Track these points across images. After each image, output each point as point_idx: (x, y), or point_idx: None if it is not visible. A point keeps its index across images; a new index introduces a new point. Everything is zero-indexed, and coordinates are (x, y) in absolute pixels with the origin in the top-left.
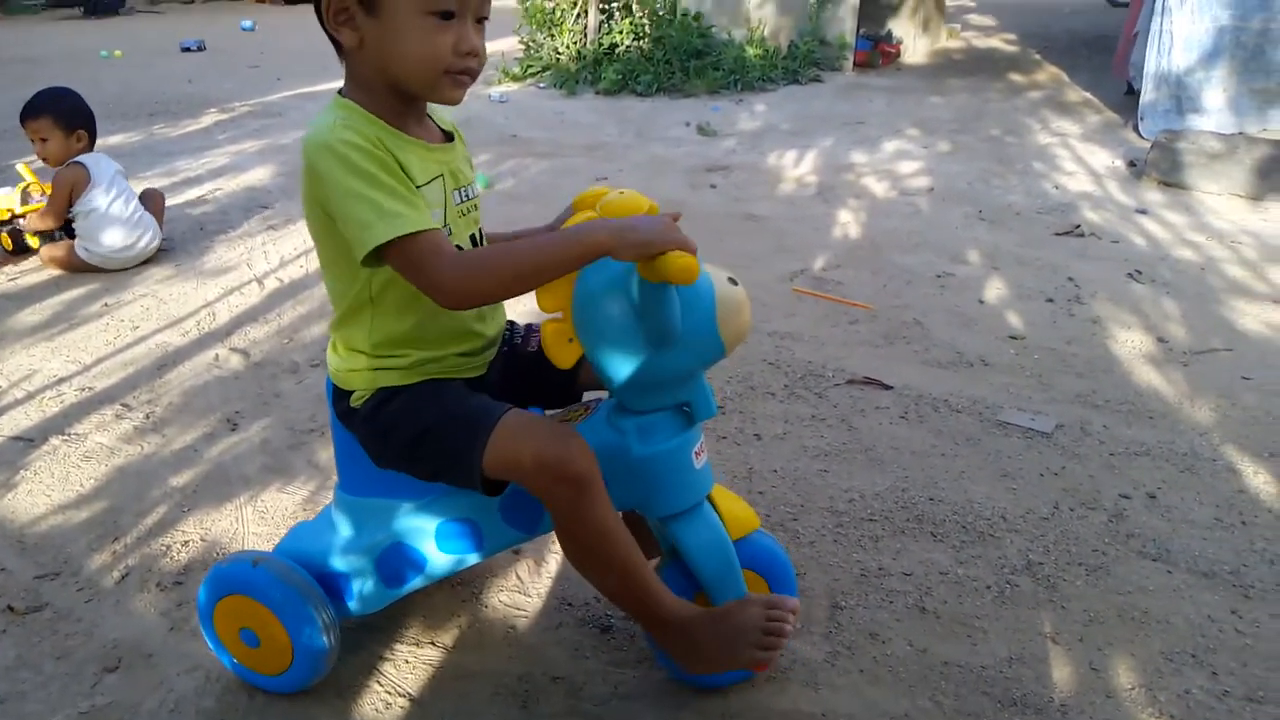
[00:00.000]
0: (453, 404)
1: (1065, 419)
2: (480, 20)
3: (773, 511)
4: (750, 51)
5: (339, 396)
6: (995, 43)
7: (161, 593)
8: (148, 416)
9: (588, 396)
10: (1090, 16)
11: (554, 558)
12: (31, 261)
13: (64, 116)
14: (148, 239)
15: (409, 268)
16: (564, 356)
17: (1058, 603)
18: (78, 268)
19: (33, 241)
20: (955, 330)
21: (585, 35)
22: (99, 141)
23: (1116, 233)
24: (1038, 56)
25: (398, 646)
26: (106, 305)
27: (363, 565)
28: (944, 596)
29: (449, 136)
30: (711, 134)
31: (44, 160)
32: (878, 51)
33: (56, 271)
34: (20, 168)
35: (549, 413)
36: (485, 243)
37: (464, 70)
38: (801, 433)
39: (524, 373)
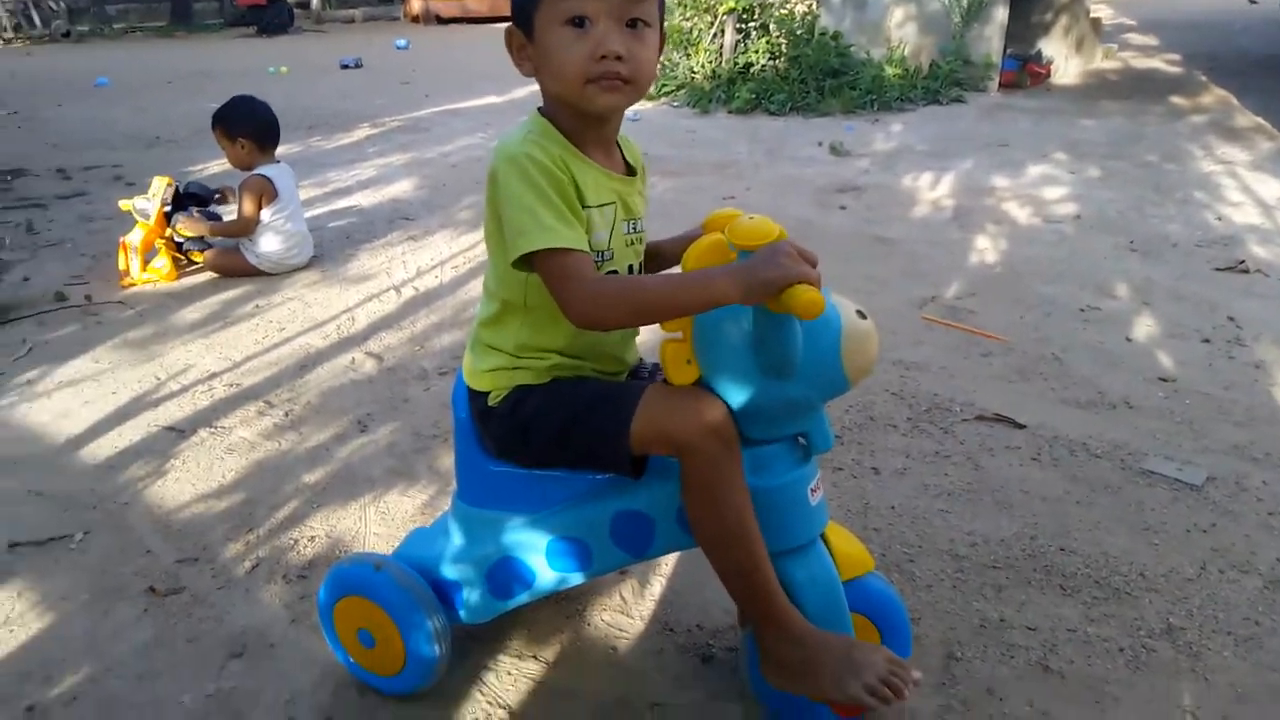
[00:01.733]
0: (593, 390)
1: (1219, 471)
2: (633, 23)
3: (888, 551)
4: (889, 71)
5: (474, 398)
6: (1156, 63)
7: (287, 585)
8: (286, 414)
9: None
10: (1263, 34)
11: (659, 580)
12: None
13: (228, 125)
14: (309, 249)
15: (550, 280)
16: (682, 377)
17: (1200, 673)
18: (239, 272)
19: (196, 258)
20: (1098, 368)
21: (721, 54)
22: None
23: None
24: (1203, 78)
25: (502, 658)
26: (258, 307)
27: (473, 576)
28: (1071, 656)
29: (632, 170)
30: (844, 154)
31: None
32: (1026, 72)
33: (216, 275)
34: (122, 204)
35: None
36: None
37: (605, 75)
38: (923, 469)
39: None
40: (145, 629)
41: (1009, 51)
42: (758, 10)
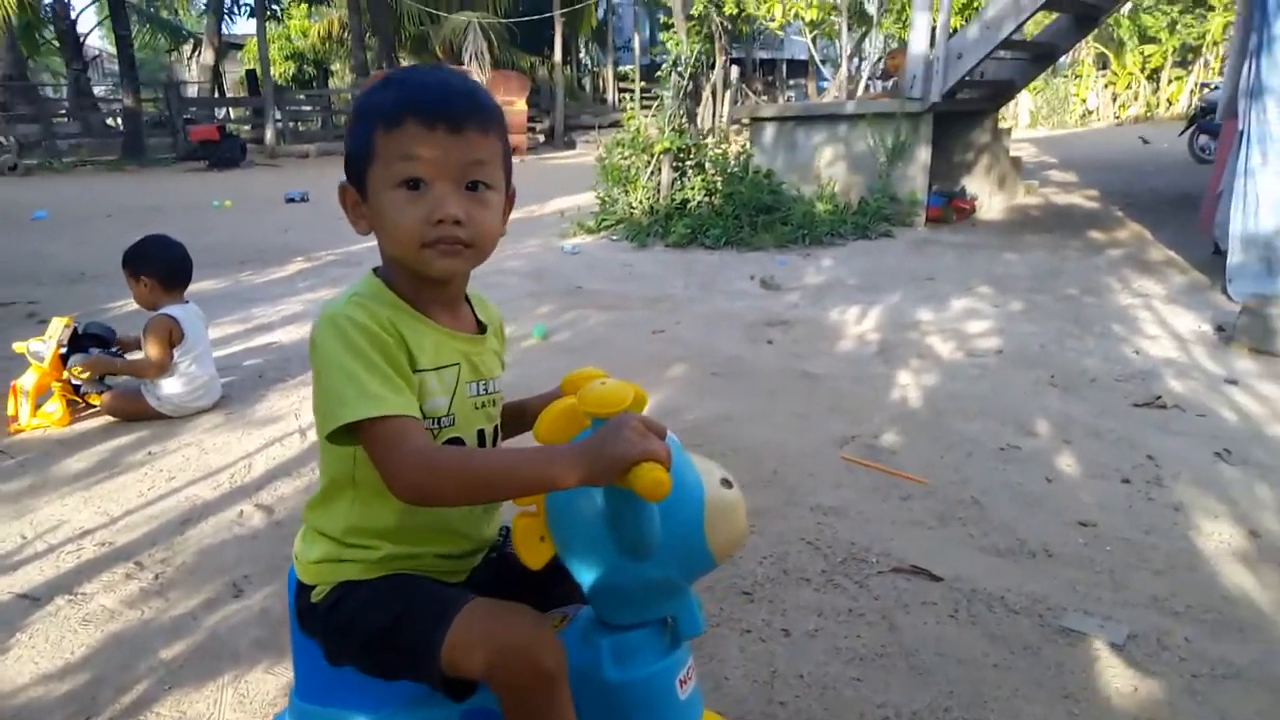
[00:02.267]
0: (417, 596)
1: (1139, 627)
2: (473, 185)
3: None
4: (820, 207)
5: (300, 592)
6: (1075, 199)
7: None
8: (156, 577)
9: None
10: (1174, 175)
11: None
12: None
13: (130, 264)
14: (216, 391)
15: (374, 451)
16: (533, 556)
17: None
18: (138, 415)
19: (93, 400)
20: (1018, 511)
21: (659, 191)
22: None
23: (1203, 405)
24: (1119, 213)
25: None
26: (150, 454)
27: None
28: None
29: (483, 329)
30: (775, 288)
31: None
32: (951, 208)
33: (112, 419)
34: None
35: None
36: (495, 442)
37: (442, 239)
38: (836, 630)
39: (515, 579)
40: None
41: (934, 188)
42: (693, 150)
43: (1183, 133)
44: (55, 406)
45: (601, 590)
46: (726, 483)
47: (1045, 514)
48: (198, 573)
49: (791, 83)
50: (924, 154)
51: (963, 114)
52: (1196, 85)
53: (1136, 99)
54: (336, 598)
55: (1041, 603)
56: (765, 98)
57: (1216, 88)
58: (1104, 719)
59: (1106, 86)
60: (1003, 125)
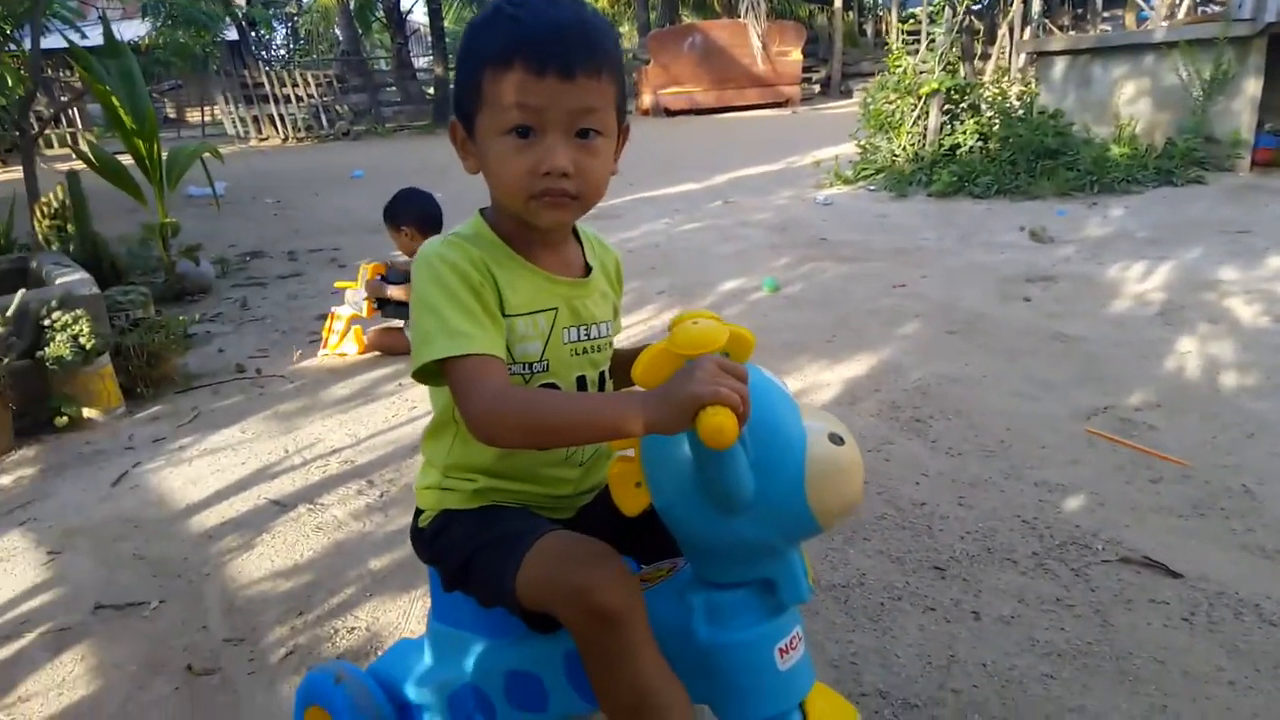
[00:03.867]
0: (503, 526)
1: None
2: (583, 132)
3: None
4: (1116, 150)
5: (415, 517)
6: None
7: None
8: (382, 495)
9: None
10: None
11: None
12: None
13: (393, 216)
14: None
15: (454, 389)
16: (629, 502)
17: None
18: (399, 350)
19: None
20: None
21: (924, 136)
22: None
23: None
24: None
25: None
26: (400, 385)
27: (436, 701)
28: None
29: (589, 271)
30: (1046, 240)
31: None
32: None
33: (377, 353)
34: (338, 284)
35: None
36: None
37: (547, 192)
38: (1036, 620)
39: (627, 521)
40: (169, 708)
41: (1267, 127)
42: (967, 91)
43: None
44: (353, 346)
45: (694, 544)
46: (837, 439)
47: None
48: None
49: (1107, 15)
50: (1253, 86)
51: None
52: None
53: None
54: (440, 525)
55: None
56: (1074, 33)
57: None
58: None
59: None
60: None
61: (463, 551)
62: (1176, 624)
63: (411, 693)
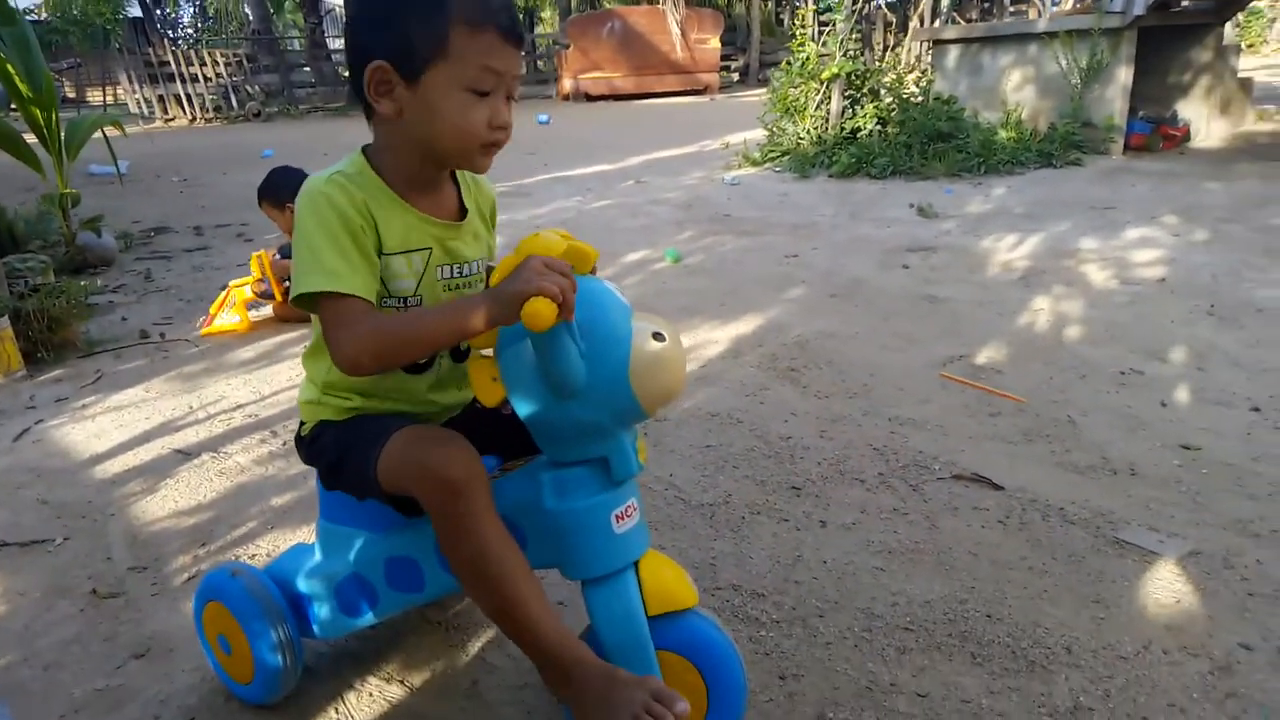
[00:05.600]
0: (368, 426)
1: (1208, 546)
2: (509, 99)
3: (799, 605)
4: (1003, 134)
5: (300, 426)
6: None
7: None
8: (285, 444)
9: None
10: None
11: None
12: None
13: (274, 195)
14: None
15: (324, 323)
16: (487, 394)
17: None
18: (303, 319)
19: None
20: (1114, 433)
21: (827, 120)
22: None
23: None
24: None
25: (370, 679)
26: (305, 348)
27: (324, 591)
28: None
29: (465, 214)
30: (932, 216)
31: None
32: (1159, 134)
33: (283, 322)
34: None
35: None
36: None
37: (494, 142)
38: (873, 526)
39: (486, 422)
40: (73, 626)
41: (1140, 114)
42: (866, 76)
43: None
44: (236, 317)
45: (538, 426)
46: (659, 336)
47: (1145, 437)
48: None
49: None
50: (1124, 75)
51: (1180, 29)
52: None
53: None
54: (317, 433)
55: (1104, 517)
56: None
57: None
58: (1129, 626)
59: None
60: (1236, 42)
61: (336, 450)
62: (992, 525)
63: (302, 585)
